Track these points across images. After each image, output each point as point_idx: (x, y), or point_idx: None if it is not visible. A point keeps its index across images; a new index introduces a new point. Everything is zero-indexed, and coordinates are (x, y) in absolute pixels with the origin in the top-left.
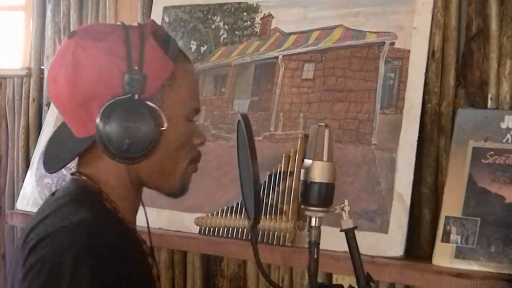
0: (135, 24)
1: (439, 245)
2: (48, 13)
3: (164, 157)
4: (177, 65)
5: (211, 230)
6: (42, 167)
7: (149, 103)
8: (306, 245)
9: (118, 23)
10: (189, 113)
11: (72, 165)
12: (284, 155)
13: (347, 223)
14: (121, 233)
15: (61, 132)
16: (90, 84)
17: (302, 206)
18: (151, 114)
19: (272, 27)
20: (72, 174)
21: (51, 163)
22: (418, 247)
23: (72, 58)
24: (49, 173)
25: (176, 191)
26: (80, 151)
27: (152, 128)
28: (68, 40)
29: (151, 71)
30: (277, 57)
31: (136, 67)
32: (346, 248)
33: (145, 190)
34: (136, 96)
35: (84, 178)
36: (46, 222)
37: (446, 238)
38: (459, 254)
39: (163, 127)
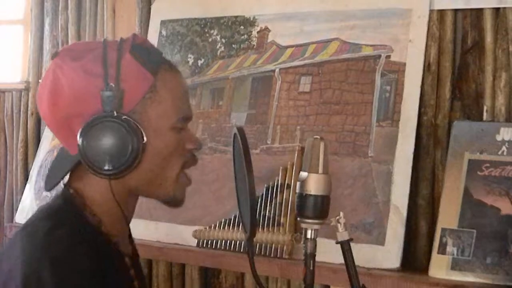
0: (117, 39)
1: (435, 257)
2: (46, 27)
3: (152, 167)
4: (158, 77)
5: (209, 243)
6: (42, 182)
7: (127, 117)
8: (303, 257)
9: (101, 39)
10: (176, 122)
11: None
12: (281, 167)
13: (343, 235)
14: (97, 247)
15: (62, 151)
16: (68, 104)
17: (298, 218)
18: (129, 129)
19: (268, 40)
20: (63, 186)
21: (50, 181)
22: (415, 259)
23: (52, 79)
24: (47, 190)
25: (170, 199)
26: (71, 167)
27: (131, 142)
28: (51, 60)
29: (128, 86)
30: (274, 70)
31: (113, 84)
32: (343, 260)
33: (144, 203)
34: (115, 112)
35: (72, 191)
36: (25, 233)
37: (442, 250)
38: (455, 265)
39: (143, 140)
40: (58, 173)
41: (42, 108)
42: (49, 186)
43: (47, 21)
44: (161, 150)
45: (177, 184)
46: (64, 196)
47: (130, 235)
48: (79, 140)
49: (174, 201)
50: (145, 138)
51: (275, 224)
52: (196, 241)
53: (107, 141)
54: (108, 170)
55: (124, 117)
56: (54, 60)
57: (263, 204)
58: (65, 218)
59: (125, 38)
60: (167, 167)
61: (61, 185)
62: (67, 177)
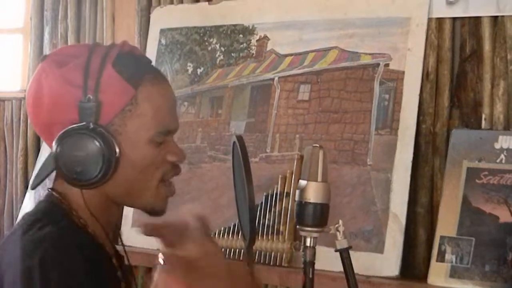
0: (106, 45)
1: (434, 265)
2: (46, 36)
3: (128, 179)
4: (140, 89)
5: None
6: (41, 188)
7: (102, 130)
8: (302, 265)
9: (90, 43)
10: (154, 136)
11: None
12: (280, 176)
13: (342, 243)
14: (85, 246)
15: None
16: (48, 111)
17: (297, 226)
18: (102, 142)
19: (267, 49)
20: (48, 190)
21: (36, 180)
22: (414, 266)
23: (36, 84)
24: (31, 189)
25: (150, 210)
26: (53, 168)
27: (103, 155)
28: (39, 64)
29: (107, 98)
30: (273, 79)
31: (91, 95)
32: (342, 268)
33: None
34: (91, 124)
35: (56, 195)
36: (13, 236)
37: (441, 258)
38: (454, 273)
39: (116, 154)
40: (43, 173)
41: (28, 112)
42: (33, 185)
43: (46, 30)
44: (138, 162)
45: (157, 196)
46: (49, 199)
47: (120, 240)
48: (53, 147)
49: (153, 212)
50: (117, 151)
51: (275, 232)
52: None
53: (79, 153)
54: (78, 180)
55: (99, 129)
56: (41, 64)
57: (262, 212)
58: (52, 218)
59: (114, 45)
60: (144, 179)
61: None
62: (52, 181)
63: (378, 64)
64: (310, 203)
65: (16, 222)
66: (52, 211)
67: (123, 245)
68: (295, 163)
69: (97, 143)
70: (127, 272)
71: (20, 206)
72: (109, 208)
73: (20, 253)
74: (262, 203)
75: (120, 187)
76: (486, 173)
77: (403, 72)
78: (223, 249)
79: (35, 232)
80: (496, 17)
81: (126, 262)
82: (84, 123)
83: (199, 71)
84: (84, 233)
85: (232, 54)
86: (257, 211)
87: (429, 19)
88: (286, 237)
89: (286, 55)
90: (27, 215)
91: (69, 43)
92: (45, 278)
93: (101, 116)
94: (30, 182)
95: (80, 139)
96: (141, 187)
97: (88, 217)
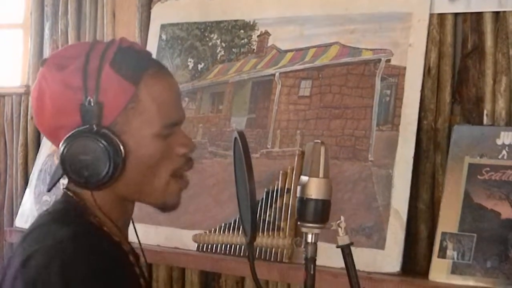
0: (105, 43)
1: (435, 261)
2: (46, 31)
3: (138, 177)
4: (141, 85)
5: (209, 247)
6: (42, 186)
7: (105, 131)
8: (303, 261)
9: (90, 42)
10: (160, 130)
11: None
12: (281, 172)
13: (343, 239)
14: (104, 247)
15: None
16: (51, 116)
17: (299, 223)
18: (107, 144)
19: (268, 45)
20: (64, 189)
21: (50, 182)
22: (415, 263)
23: (38, 89)
24: (47, 191)
25: (162, 206)
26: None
27: (108, 157)
28: (40, 69)
29: (107, 99)
30: (274, 75)
31: (92, 97)
32: (343, 265)
33: (143, 207)
34: (95, 126)
35: (71, 194)
36: (31, 238)
37: (442, 254)
38: (456, 270)
39: (122, 154)
40: (56, 175)
41: (34, 116)
42: (48, 187)
43: (47, 25)
44: (146, 159)
45: (167, 192)
46: (65, 200)
47: (136, 236)
48: (60, 151)
49: (166, 208)
50: (123, 151)
51: (275, 229)
52: (196, 245)
53: (85, 156)
54: (87, 183)
55: (103, 130)
56: (42, 69)
57: (263, 208)
58: (70, 219)
59: (112, 42)
60: (155, 176)
61: (60, 188)
62: (66, 180)
63: (380, 60)
64: (311, 199)
65: (34, 220)
66: (68, 212)
67: (139, 242)
68: (296, 159)
69: (101, 145)
70: (143, 269)
71: (20, 202)
72: (123, 205)
73: (36, 260)
74: (262, 199)
75: (130, 186)
76: (488, 169)
77: (405, 68)
78: (224, 245)
79: (53, 237)
80: (498, 12)
81: (142, 259)
82: (87, 125)
83: (199, 66)
84: (101, 231)
85: (233, 50)
86: (258, 207)
87: (431, 15)
88: (286, 233)
89: (287, 51)
90: (45, 216)
91: (69, 39)
92: (65, 282)
93: (104, 117)
94: (43, 186)
95: (85, 142)
96: (151, 184)
97: (103, 216)
